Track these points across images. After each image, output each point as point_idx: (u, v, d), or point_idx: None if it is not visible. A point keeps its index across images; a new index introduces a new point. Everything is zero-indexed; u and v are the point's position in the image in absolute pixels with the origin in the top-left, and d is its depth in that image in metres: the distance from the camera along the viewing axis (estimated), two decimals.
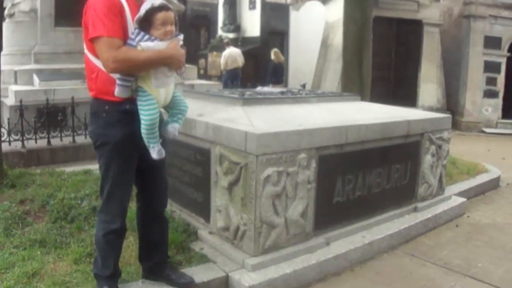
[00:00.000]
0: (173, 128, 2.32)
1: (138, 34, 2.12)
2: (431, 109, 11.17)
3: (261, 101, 3.46)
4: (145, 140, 2.19)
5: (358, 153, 3.36)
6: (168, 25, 2.14)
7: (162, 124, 2.34)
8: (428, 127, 4.02)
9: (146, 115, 2.13)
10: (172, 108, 2.31)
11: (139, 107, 2.17)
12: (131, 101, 2.20)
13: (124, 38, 2.13)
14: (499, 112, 12.55)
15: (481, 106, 12.33)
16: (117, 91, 2.14)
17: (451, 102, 12.36)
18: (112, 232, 2.35)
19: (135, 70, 2.12)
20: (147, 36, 2.11)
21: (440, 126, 4.19)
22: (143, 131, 2.17)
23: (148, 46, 2.09)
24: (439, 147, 4.18)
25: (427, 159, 4.06)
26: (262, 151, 2.70)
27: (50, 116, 6.00)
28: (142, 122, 2.16)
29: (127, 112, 2.20)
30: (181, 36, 2.25)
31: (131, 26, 2.16)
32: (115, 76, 2.13)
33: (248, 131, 2.71)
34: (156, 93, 2.15)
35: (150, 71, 2.12)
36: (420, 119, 4.00)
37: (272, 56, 11.66)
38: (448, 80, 12.17)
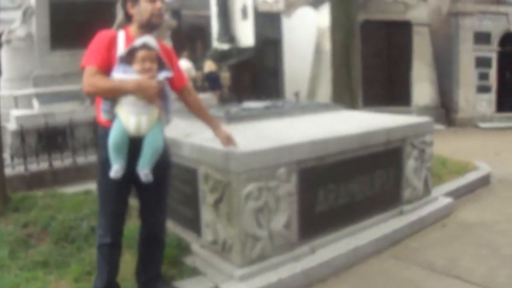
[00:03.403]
0: (142, 173, 2.44)
1: (118, 66, 2.39)
2: (425, 107, 11.33)
3: (245, 118, 3.63)
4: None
5: (339, 163, 3.50)
6: (146, 62, 2.37)
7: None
8: (409, 133, 4.16)
9: (111, 136, 2.37)
10: (143, 144, 2.42)
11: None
12: None
13: (109, 69, 2.41)
14: (493, 107, 12.67)
15: (474, 102, 12.44)
16: (101, 114, 2.45)
17: (445, 100, 12.46)
18: (104, 246, 2.56)
19: (104, 95, 2.40)
20: (122, 68, 2.37)
21: (421, 130, 4.32)
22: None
23: (119, 76, 2.35)
24: (422, 151, 4.32)
25: (410, 164, 4.19)
26: (243, 169, 2.86)
27: (51, 138, 6.18)
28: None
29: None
30: (166, 74, 2.46)
31: None
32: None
33: (229, 151, 2.88)
34: (125, 120, 2.36)
35: (121, 98, 2.36)
36: (400, 125, 4.13)
37: (207, 67, 12.63)
38: (441, 78, 12.27)
